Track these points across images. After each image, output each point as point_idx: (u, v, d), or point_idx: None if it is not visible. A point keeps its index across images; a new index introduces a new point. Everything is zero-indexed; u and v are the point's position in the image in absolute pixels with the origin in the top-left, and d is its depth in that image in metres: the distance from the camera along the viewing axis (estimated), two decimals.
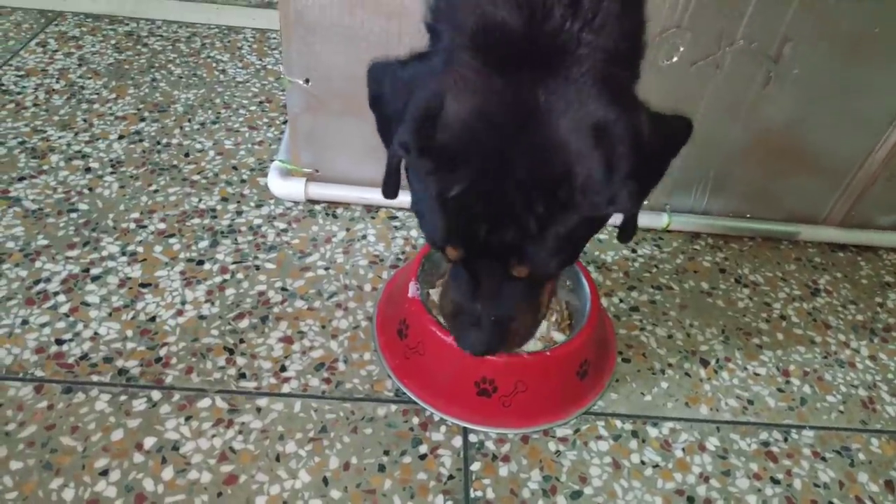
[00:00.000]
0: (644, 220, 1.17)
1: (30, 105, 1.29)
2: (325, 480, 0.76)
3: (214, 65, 1.50)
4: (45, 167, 1.14)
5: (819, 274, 1.16)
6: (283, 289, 0.99)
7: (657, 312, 1.04)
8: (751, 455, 0.86)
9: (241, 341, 0.90)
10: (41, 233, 1.02)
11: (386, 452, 0.80)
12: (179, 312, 0.93)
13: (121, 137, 1.24)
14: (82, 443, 0.77)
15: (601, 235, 1.16)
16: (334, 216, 1.13)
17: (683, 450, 0.85)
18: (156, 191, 1.13)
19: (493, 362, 0.80)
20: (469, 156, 0.56)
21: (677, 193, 1.17)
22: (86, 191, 1.11)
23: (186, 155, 1.22)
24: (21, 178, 1.11)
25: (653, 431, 0.86)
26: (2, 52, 1.44)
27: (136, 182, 1.14)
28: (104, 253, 1.00)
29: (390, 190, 0.66)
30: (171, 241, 1.04)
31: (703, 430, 0.88)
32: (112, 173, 1.15)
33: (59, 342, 0.87)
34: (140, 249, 1.02)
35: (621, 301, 1.05)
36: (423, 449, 0.81)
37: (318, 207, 1.15)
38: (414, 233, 1.12)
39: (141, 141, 1.24)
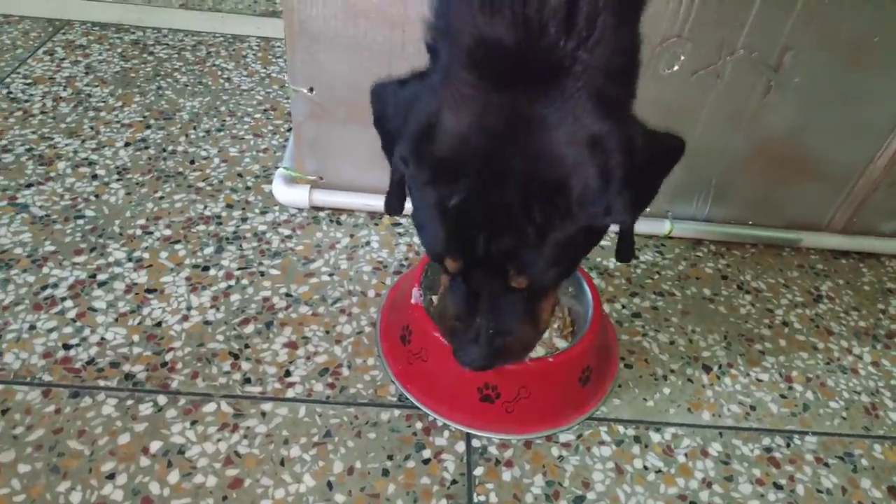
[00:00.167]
0: (646, 226, 1.18)
1: (37, 113, 1.30)
2: (330, 484, 0.77)
3: (220, 73, 1.51)
4: (53, 174, 1.16)
5: (821, 280, 1.17)
6: (288, 294, 0.99)
7: (659, 318, 1.04)
8: (753, 461, 0.86)
9: (246, 346, 0.91)
10: (48, 239, 1.03)
11: (390, 457, 0.80)
12: (185, 318, 0.94)
13: (127, 145, 1.25)
14: (89, 447, 0.77)
15: (604, 242, 1.16)
16: (338, 223, 1.14)
17: (686, 455, 0.85)
18: (161, 197, 1.14)
19: (496, 368, 0.80)
20: (466, 167, 0.57)
21: (679, 200, 1.18)
22: (92, 197, 1.12)
23: (192, 162, 1.23)
24: (29, 185, 1.13)
25: (655, 437, 0.87)
26: (10, 61, 1.46)
27: (142, 189, 1.15)
28: (111, 259, 1.01)
29: (394, 205, 0.68)
30: (177, 247, 1.05)
31: (705, 435, 0.88)
32: (118, 180, 1.16)
33: (67, 347, 0.88)
34: (146, 255, 1.03)
35: (623, 307, 1.05)
36: (427, 454, 0.81)
37: (322, 214, 1.15)
38: (417, 239, 1.12)
39: (147, 148, 1.25)
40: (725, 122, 1.06)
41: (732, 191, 1.16)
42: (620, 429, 0.87)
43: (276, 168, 1.20)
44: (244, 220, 1.12)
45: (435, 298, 0.91)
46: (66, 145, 1.23)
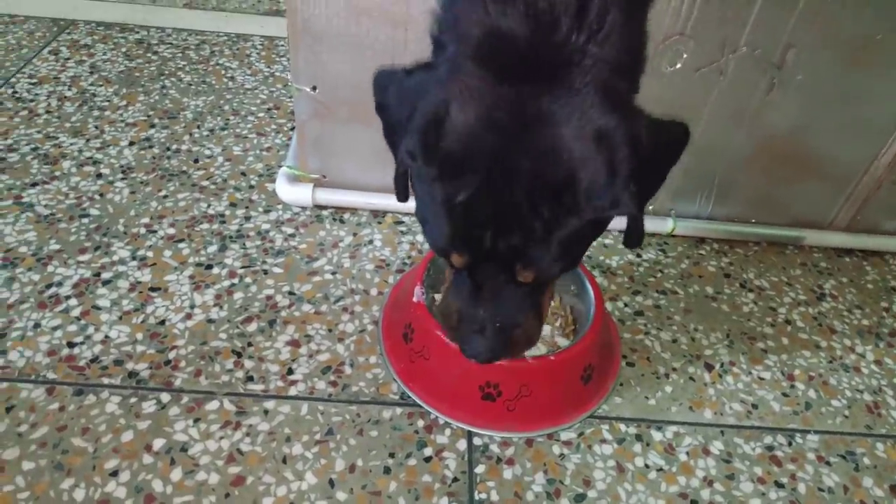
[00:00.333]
0: (649, 225, 1.16)
1: (42, 112, 1.31)
2: (332, 482, 0.77)
3: (223, 72, 1.51)
4: (58, 173, 1.16)
5: (824, 279, 1.16)
6: (291, 293, 1.00)
7: (662, 317, 1.04)
8: (755, 459, 0.86)
9: (249, 344, 0.92)
10: (53, 237, 1.04)
11: (391, 455, 0.81)
12: (188, 316, 0.94)
13: (131, 144, 1.26)
14: (93, 444, 0.78)
15: (606, 240, 1.16)
16: (341, 221, 1.15)
17: (687, 453, 0.85)
18: (165, 196, 1.14)
19: (497, 367, 0.80)
20: (474, 162, 0.57)
21: (682, 199, 1.18)
22: (97, 196, 1.13)
23: (196, 161, 1.23)
24: (34, 184, 1.13)
25: (657, 435, 0.87)
26: (15, 60, 1.46)
27: (147, 188, 1.16)
28: (115, 257, 1.02)
29: (399, 193, 0.68)
30: (181, 245, 1.05)
31: (707, 434, 0.88)
32: (123, 179, 1.17)
33: (71, 345, 0.88)
34: (150, 254, 1.03)
35: (626, 305, 1.05)
36: (428, 451, 0.82)
37: (325, 213, 1.16)
38: (420, 237, 1.13)
39: (151, 147, 1.25)
40: (728, 119, 1.06)
41: (735, 189, 1.16)
42: (622, 427, 0.87)
43: (280, 167, 1.21)
44: (248, 218, 1.12)
45: (437, 296, 0.91)
46: (71, 144, 1.23)
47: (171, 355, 0.89)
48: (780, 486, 0.83)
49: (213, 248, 1.05)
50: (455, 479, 0.79)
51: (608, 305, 1.04)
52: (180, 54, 1.56)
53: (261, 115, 1.39)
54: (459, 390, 0.84)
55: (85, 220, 1.08)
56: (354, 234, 1.12)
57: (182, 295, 0.97)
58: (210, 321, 0.94)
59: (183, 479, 0.76)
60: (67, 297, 0.95)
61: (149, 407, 0.82)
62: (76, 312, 0.93)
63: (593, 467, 0.82)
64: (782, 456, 0.87)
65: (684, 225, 1.19)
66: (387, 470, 0.79)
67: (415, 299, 0.86)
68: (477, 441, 0.84)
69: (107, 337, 0.90)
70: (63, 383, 0.84)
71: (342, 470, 0.79)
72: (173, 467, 0.77)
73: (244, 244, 1.07)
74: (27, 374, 0.84)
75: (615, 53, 0.57)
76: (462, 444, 0.83)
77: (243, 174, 1.22)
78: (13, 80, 1.40)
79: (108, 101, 1.37)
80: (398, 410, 0.86)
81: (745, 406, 0.92)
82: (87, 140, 1.25)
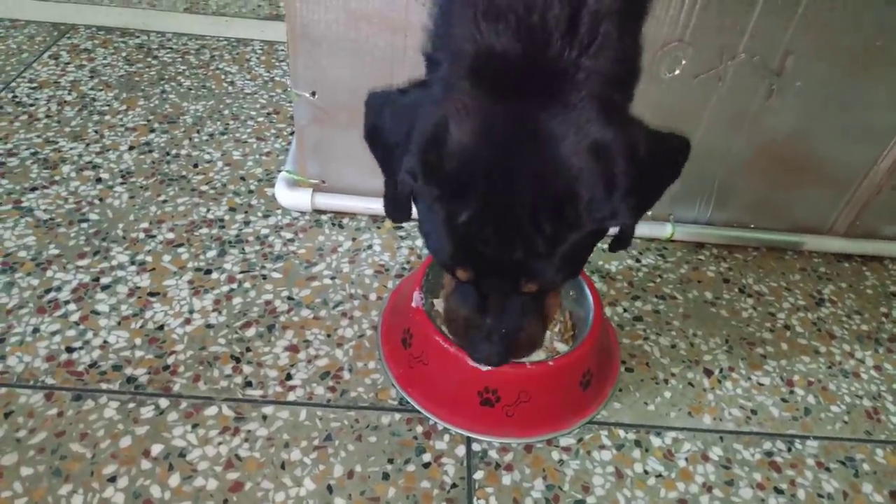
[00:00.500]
0: (648, 230, 1.18)
1: (42, 117, 1.31)
2: (330, 488, 0.77)
3: (223, 76, 1.52)
4: (57, 178, 1.16)
5: (824, 284, 1.16)
6: (290, 298, 1.00)
7: (661, 322, 1.04)
8: (754, 465, 0.86)
9: (248, 350, 0.91)
10: (52, 242, 1.04)
11: (390, 461, 0.81)
12: (187, 321, 0.94)
13: (131, 148, 1.26)
14: (91, 450, 0.78)
15: (605, 245, 1.16)
16: (340, 226, 1.15)
17: (686, 459, 0.85)
18: (165, 201, 1.14)
19: (496, 372, 0.80)
20: (476, 182, 0.58)
21: (681, 204, 1.18)
22: (96, 201, 1.13)
23: (195, 165, 1.23)
24: (33, 189, 1.13)
25: (656, 441, 0.87)
26: (16, 65, 1.47)
27: (146, 192, 1.16)
28: (114, 262, 1.02)
29: (399, 214, 0.68)
30: (180, 250, 1.05)
31: (706, 439, 0.88)
32: (122, 184, 1.17)
33: (70, 350, 0.88)
34: (149, 259, 1.03)
35: (625, 311, 1.05)
36: (427, 457, 0.82)
37: (324, 217, 1.16)
38: (419, 242, 1.13)
39: (151, 152, 1.25)
40: (727, 125, 1.06)
41: (734, 194, 1.16)
42: (621, 433, 0.87)
43: (279, 171, 1.21)
44: (247, 223, 1.12)
45: (436, 301, 0.91)
46: (71, 149, 1.23)
47: (170, 360, 0.89)
48: (779, 492, 0.83)
49: (212, 253, 1.06)
50: (454, 486, 0.79)
51: (607, 311, 1.04)
52: (180, 59, 1.56)
53: (260, 119, 1.39)
54: (458, 396, 0.84)
55: (84, 225, 1.08)
56: (353, 239, 1.12)
57: (181, 300, 0.97)
58: (209, 326, 0.94)
59: (181, 485, 0.75)
60: (66, 302, 0.95)
61: (147, 412, 0.82)
62: (75, 317, 0.93)
63: (592, 473, 0.82)
64: (781, 462, 0.87)
65: (683, 230, 1.19)
66: (385, 476, 0.79)
67: (414, 304, 0.86)
68: (476, 447, 0.83)
69: (105, 342, 0.90)
70: (62, 389, 0.84)
71: (341, 476, 0.78)
72: (171, 473, 0.76)
73: (243, 249, 1.07)
74: (26, 379, 0.84)
75: (609, 65, 0.58)
76: (461, 450, 0.83)
77: (242, 179, 1.22)
78: (13, 84, 1.40)
79: (108, 105, 1.37)
80: (397, 416, 0.86)
81: (744, 412, 0.92)
82: (87, 144, 1.25)
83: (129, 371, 0.87)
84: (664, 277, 1.13)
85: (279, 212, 1.15)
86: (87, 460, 0.77)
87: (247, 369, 0.89)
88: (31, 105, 1.34)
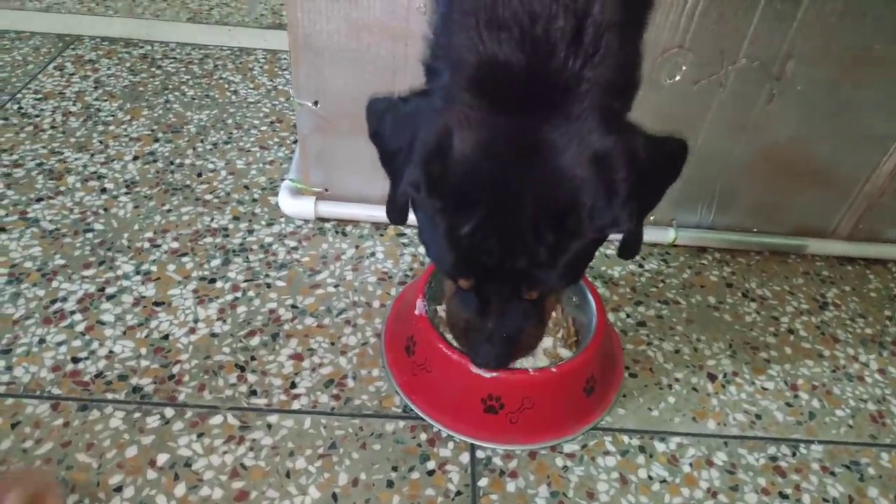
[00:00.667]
0: (651, 235, 1.18)
1: (47, 127, 1.32)
2: (335, 496, 0.77)
3: (227, 86, 1.53)
4: (62, 188, 1.17)
5: (827, 287, 1.16)
6: (294, 306, 1.00)
7: (664, 327, 1.04)
8: (759, 470, 0.86)
9: (253, 358, 0.92)
10: (58, 252, 1.05)
11: (394, 468, 0.81)
12: (192, 330, 0.95)
13: (135, 158, 1.26)
14: (97, 459, 0.78)
15: (608, 251, 1.17)
16: (343, 234, 1.15)
17: (691, 465, 0.85)
18: (169, 210, 1.15)
19: (499, 379, 0.80)
20: (478, 194, 0.58)
21: (683, 209, 1.18)
22: (101, 211, 1.13)
23: (199, 175, 1.24)
24: (39, 199, 1.14)
25: (660, 446, 0.87)
26: (21, 76, 1.48)
27: (150, 202, 1.17)
28: (119, 272, 1.03)
29: (397, 217, 0.68)
30: (184, 259, 1.06)
31: (710, 444, 0.88)
32: (127, 193, 1.18)
33: (75, 360, 0.89)
34: (154, 268, 1.04)
35: (628, 316, 1.05)
36: (431, 465, 0.82)
37: (327, 225, 1.16)
38: (422, 249, 1.13)
39: (155, 161, 1.26)
40: (728, 130, 1.06)
41: (737, 198, 1.16)
42: (625, 438, 0.87)
43: (283, 180, 1.21)
44: (251, 232, 1.13)
45: (439, 308, 0.92)
46: (76, 159, 1.24)
47: (175, 370, 0.89)
48: (784, 496, 0.83)
49: (216, 262, 1.06)
50: (458, 493, 0.79)
51: (610, 316, 1.04)
52: (184, 68, 1.57)
53: (264, 128, 1.39)
54: (462, 403, 0.84)
55: (89, 235, 1.08)
56: (357, 247, 1.13)
57: (185, 309, 0.98)
58: (213, 335, 0.94)
59: (187, 495, 0.76)
60: (72, 313, 0.95)
61: (153, 422, 0.83)
62: (81, 328, 0.93)
63: (597, 479, 0.82)
64: (786, 466, 0.86)
65: (686, 235, 1.19)
66: (390, 484, 0.79)
67: (417, 312, 0.86)
68: (480, 454, 0.84)
69: (111, 352, 0.91)
70: (68, 399, 0.84)
71: (345, 484, 0.79)
72: (177, 482, 0.77)
73: (247, 258, 1.08)
74: (32, 389, 0.85)
75: (610, 75, 0.58)
76: (465, 457, 0.83)
77: (246, 188, 1.22)
78: (19, 95, 1.41)
79: (113, 115, 1.38)
80: (401, 424, 0.86)
81: (748, 416, 0.92)
82: (92, 155, 1.26)
83: (134, 381, 0.87)
84: (667, 282, 1.13)
85: (283, 220, 1.16)
86: (93, 470, 0.77)
87: (251, 378, 0.89)
88: (37, 116, 1.35)
